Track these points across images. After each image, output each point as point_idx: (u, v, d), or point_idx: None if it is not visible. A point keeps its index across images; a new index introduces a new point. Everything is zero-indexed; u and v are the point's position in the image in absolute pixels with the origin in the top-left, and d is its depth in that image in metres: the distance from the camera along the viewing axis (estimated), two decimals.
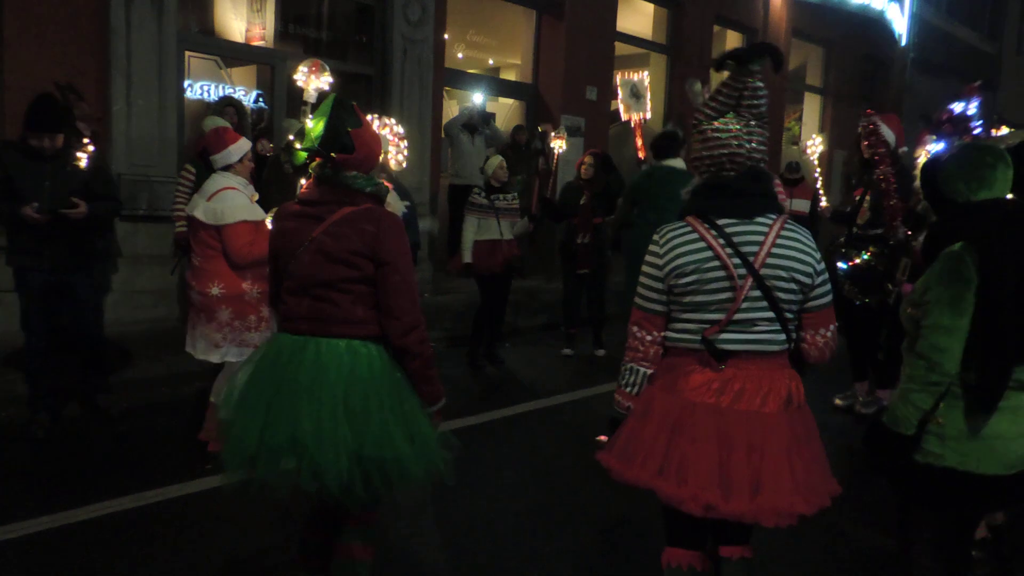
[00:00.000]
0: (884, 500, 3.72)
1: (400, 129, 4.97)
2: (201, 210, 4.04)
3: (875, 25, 14.85)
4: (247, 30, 8.17)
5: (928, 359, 2.32)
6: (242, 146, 4.17)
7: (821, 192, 7.42)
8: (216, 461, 3.94)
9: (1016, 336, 2.25)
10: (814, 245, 2.26)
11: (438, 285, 8.60)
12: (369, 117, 5.04)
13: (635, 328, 2.34)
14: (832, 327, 2.32)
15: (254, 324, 4.14)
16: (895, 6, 15.25)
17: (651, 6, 11.77)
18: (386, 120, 4.92)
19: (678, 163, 5.66)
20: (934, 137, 4.93)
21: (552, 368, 6.68)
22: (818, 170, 6.52)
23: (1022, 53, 21.74)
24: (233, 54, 8.09)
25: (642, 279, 2.31)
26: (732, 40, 13.17)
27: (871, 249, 5.21)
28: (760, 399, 2.18)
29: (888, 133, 5.13)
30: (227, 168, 4.13)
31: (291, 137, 5.71)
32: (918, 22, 16.22)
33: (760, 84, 2.25)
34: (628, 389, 2.36)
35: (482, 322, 6.55)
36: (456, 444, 2.53)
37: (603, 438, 4.70)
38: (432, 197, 8.82)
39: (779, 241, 2.20)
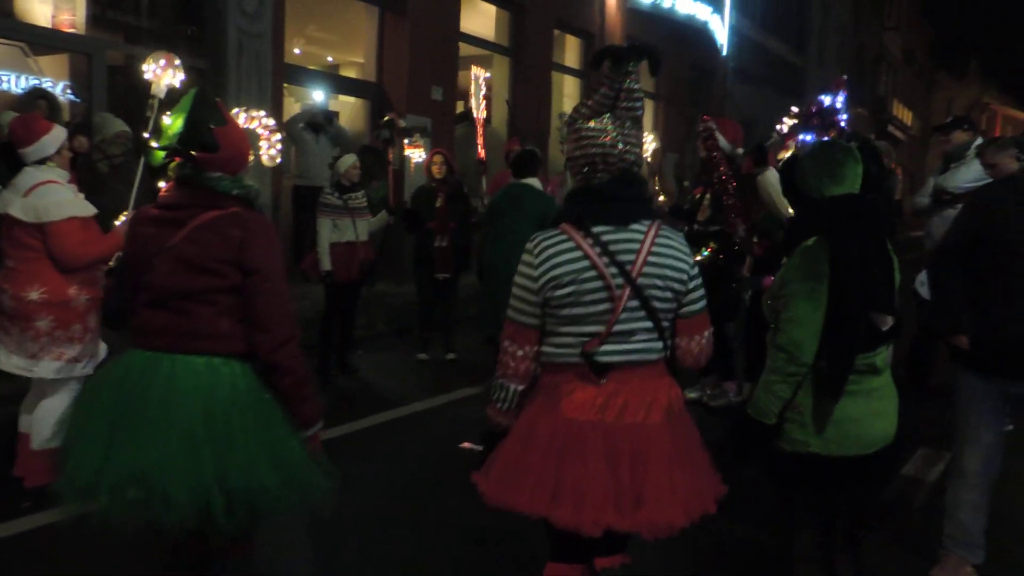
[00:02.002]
0: (746, 492, 3.89)
1: (271, 122, 4.62)
2: (18, 207, 3.57)
3: (700, 35, 15.74)
4: (54, 15, 7.39)
5: (787, 351, 2.45)
6: (57, 135, 3.72)
7: (656, 188, 7.70)
8: (40, 496, 3.57)
9: (862, 324, 2.40)
10: (687, 250, 2.27)
11: None
12: (235, 111, 4.68)
13: (507, 343, 2.26)
14: (707, 332, 2.33)
15: (78, 335, 3.70)
16: (716, 17, 16.25)
17: (493, 8, 11.83)
18: (254, 112, 4.56)
19: (534, 182, 5.69)
20: (800, 135, 5.19)
21: (407, 375, 6.52)
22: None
23: (823, 65, 23.85)
24: (43, 41, 7.29)
25: (515, 291, 2.23)
26: (571, 44, 13.51)
27: (711, 245, 5.46)
28: (644, 411, 2.16)
29: (722, 138, 5.40)
30: (42, 161, 3.67)
31: (127, 131, 5.21)
32: (736, 34, 17.38)
33: (637, 86, 2.23)
34: (500, 405, 2.28)
35: (330, 329, 6.29)
36: (335, 472, 2.36)
37: (467, 445, 4.64)
38: (274, 199, 8.39)
39: (654, 249, 2.17)
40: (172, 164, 2.28)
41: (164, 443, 2.09)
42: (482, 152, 7.19)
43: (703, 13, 15.53)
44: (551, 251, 2.17)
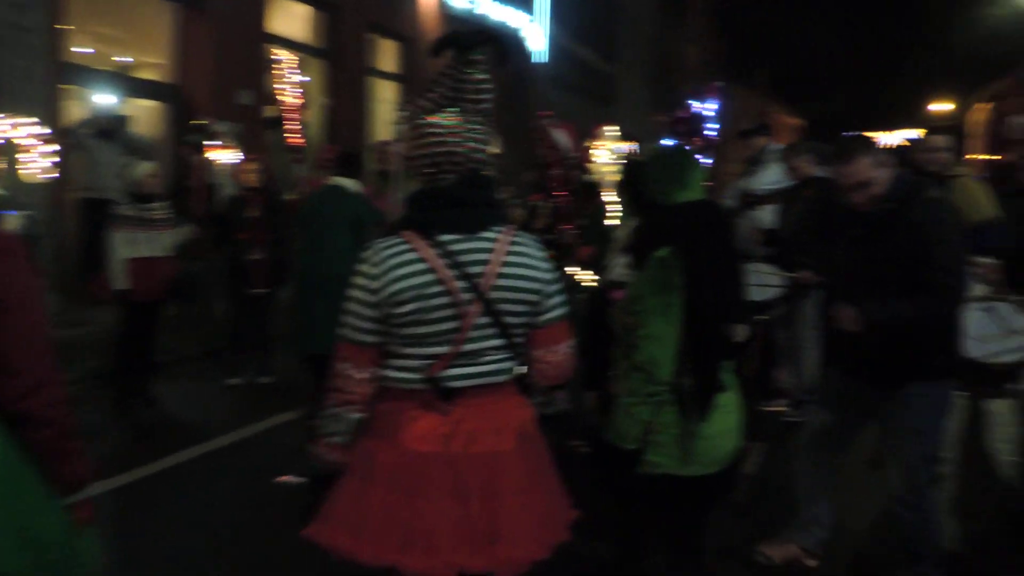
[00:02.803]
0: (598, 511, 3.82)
1: (44, 130, 3.95)
2: None
3: (515, 42, 15.95)
4: None
5: (645, 370, 2.33)
6: None
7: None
8: None
9: (721, 337, 2.35)
10: (543, 255, 2.10)
11: (69, 316, 7.32)
12: None
13: (343, 365, 2.00)
14: (569, 343, 2.16)
15: None
16: (530, 24, 16.56)
17: (307, 8, 11.33)
18: (21, 119, 3.88)
19: (351, 184, 5.39)
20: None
21: (217, 403, 5.99)
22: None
23: (630, 75, 25.04)
24: None
25: (351, 306, 1.99)
26: (388, 48, 13.21)
27: (550, 252, 5.40)
28: (494, 438, 1.98)
29: (562, 138, 5.37)
30: None
31: None
32: (550, 41, 17.80)
33: (484, 76, 2.05)
34: (335, 439, 2.01)
35: (128, 355, 5.65)
36: (105, 546, 1.99)
37: (286, 478, 4.27)
38: (55, 213, 7.49)
39: (507, 258, 1.99)
40: None
41: None
42: (296, 139, 6.74)
43: (516, 19, 15.78)
44: (392, 262, 1.94)
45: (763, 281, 4.93)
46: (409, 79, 12.93)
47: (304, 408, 5.05)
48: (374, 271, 1.95)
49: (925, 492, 3.09)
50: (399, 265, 1.94)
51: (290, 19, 11.09)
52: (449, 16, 13.74)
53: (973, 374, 3.39)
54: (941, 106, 29.83)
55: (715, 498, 2.59)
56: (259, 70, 9.85)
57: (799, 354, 5.43)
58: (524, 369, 2.13)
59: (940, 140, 4.44)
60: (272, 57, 6.79)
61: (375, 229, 5.07)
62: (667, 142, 5.25)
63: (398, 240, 1.97)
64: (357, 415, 2.01)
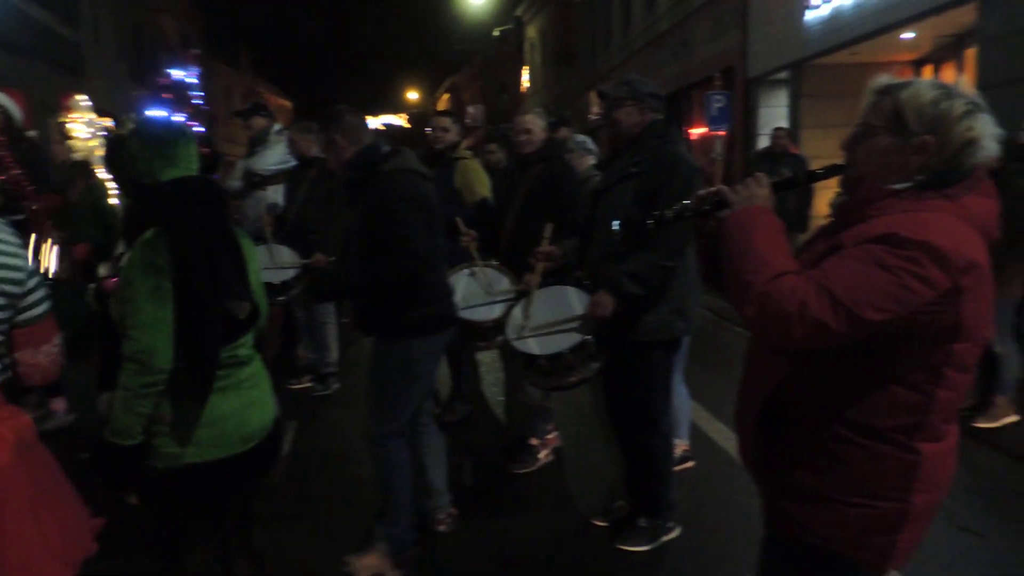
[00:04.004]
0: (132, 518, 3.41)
1: None
2: None
3: None
4: None
5: (138, 360, 2.12)
6: None
7: None
8: None
9: (220, 318, 2.24)
10: (19, 242, 1.83)
11: None
12: None
13: None
14: (56, 339, 1.94)
15: None
16: None
17: None
18: None
19: None
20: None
21: None
22: None
23: (100, 42, 22.50)
24: None
25: None
26: None
27: None
28: None
29: (11, 107, 4.55)
30: None
31: None
32: None
33: None
34: None
35: None
36: None
37: None
38: None
39: None
40: None
41: None
42: None
43: None
44: None
45: (279, 263, 4.93)
46: None
47: None
48: None
49: (389, 436, 3.25)
50: None
51: None
52: None
53: (465, 331, 3.83)
54: (413, 95, 33.25)
55: (254, 476, 2.51)
56: None
57: (320, 331, 5.60)
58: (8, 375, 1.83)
59: (446, 121, 4.86)
60: None
61: None
62: (155, 113, 4.83)
63: None
64: None
